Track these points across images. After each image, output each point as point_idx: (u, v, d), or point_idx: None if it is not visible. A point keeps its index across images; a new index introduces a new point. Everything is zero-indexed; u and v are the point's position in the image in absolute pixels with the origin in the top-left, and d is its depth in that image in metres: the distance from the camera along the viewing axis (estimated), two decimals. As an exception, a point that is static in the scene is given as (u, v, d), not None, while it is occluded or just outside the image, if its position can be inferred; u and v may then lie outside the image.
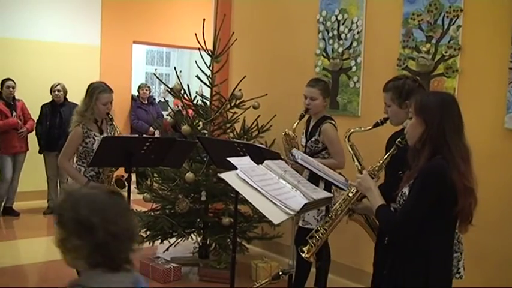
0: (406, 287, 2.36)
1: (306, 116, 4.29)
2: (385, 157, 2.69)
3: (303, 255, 2.76)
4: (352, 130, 3.27)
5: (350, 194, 2.72)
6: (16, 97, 7.25)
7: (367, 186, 2.55)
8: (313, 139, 4.20)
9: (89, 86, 4.20)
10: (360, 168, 3.20)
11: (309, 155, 4.03)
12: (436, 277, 2.34)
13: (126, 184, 4.09)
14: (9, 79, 7.14)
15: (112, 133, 4.25)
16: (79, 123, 4.11)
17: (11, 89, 7.12)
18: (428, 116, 2.32)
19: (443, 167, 2.25)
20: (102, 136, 3.77)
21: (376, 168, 2.70)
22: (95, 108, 4.10)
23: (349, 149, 3.23)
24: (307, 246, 2.77)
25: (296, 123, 4.18)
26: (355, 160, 3.21)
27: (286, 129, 4.17)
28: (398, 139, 2.61)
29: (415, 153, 2.38)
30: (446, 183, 2.23)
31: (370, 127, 3.24)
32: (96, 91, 4.10)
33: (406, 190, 2.40)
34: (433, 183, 2.26)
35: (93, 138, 4.06)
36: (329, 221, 2.77)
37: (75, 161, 4.23)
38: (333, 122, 4.23)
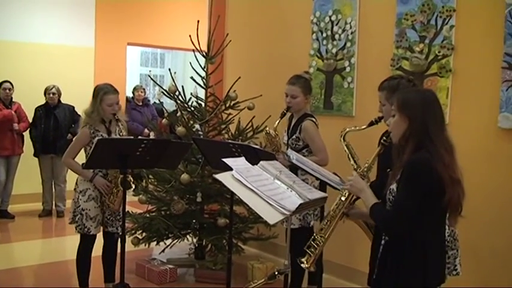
0: (404, 284, 2.37)
1: (288, 114, 4.30)
2: (372, 157, 2.71)
3: (303, 266, 2.74)
4: (347, 129, 3.28)
5: (343, 198, 2.71)
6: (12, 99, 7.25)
7: (359, 188, 2.56)
8: (294, 137, 4.22)
9: (95, 87, 4.28)
10: (356, 167, 3.21)
11: None
12: (433, 272, 2.36)
13: (133, 185, 4.17)
14: (6, 81, 7.13)
15: (121, 133, 4.27)
16: (86, 124, 4.19)
17: (7, 90, 7.12)
18: (411, 112, 2.36)
19: (427, 159, 2.28)
20: (97, 138, 3.76)
21: (365, 169, 2.72)
22: (100, 109, 4.16)
23: (345, 148, 3.24)
24: (306, 256, 2.75)
25: (277, 121, 4.17)
26: (351, 159, 3.22)
27: (267, 128, 4.15)
28: (384, 137, 2.63)
29: (400, 150, 2.41)
30: (432, 175, 2.26)
31: (365, 126, 3.25)
32: (101, 92, 4.17)
33: (393, 186, 2.42)
34: (419, 174, 2.29)
35: None
36: (324, 227, 2.77)
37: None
38: (313, 119, 4.25)
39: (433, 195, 2.28)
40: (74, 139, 4.30)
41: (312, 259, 2.74)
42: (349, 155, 3.24)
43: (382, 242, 2.56)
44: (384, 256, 2.49)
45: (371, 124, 3.23)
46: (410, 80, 3.18)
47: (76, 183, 4.26)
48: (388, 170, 2.55)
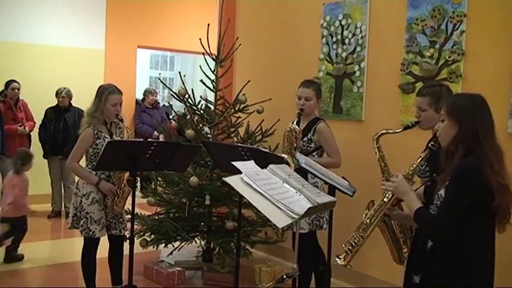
0: None
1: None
2: (418, 161, 2.70)
3: (339, 262, 2.75)
4: (382, 131, 3.25)
5: (385, 199, 2.70)
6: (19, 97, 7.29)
7: (403, 190, 2.54)
8: (305, 139, 4.22)
9: (99, 87, 4.27)
10: (384, 169, 3.19)
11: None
12: (479, 279, 2.35)
13: (138, 185, 4.14)
14: (14, 81, 7.15)
15: (121, 135, 4.28)
16: (89, 125, 4.15)
17: (16, 90, 7.16)
18: (461, 117, 2.37)
19: (477, 165, 2.28)
20: (107, 140, 3.78)
21: (410, 172, 2.70)
22: (104, 109, 4.15)
23: (376, 150, 3.23)
24: (343, 254, 2.76)
25: (295, 121, 4.19)
26: (382, 162, 3.21)
27: (291, 125, 4.15)
28: (431, 142, 2.61)
29: (448, 155, 2.41)
30: (481, 181, 2.26)
31: (400, 129, 3.25)
32: (106, 92, 4.16)
33: (441, 192, 2.41)
34: (467, 181, 2.28)
35: (104, 140, 4.09)
36: (365, 227, 2.76)
37: (84, 164, 4.24)
38: (326, 122, 4.28)
39: (480, 201, 2.28)
40: (77, 141, 4.21)
41: (350, 257, 2.76)
42: (380, 158, 3.22)
43: (428, 246, 2.52)
44: (428, 260, 2.46)
45: (407, 128, 3.23)
46: (449, 88, 3.23)
47: (77, 187, 4.21)
48: (434, 174, 2.54)
